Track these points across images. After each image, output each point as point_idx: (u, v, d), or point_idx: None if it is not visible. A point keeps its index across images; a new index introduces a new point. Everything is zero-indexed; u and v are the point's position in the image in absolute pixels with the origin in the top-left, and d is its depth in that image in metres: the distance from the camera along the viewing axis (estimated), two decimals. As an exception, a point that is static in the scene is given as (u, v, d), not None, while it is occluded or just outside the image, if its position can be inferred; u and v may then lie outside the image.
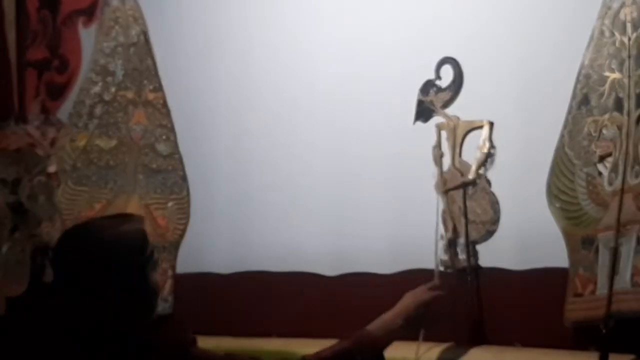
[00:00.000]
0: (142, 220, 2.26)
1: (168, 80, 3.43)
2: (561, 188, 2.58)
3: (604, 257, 2.45)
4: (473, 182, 2.73)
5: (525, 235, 2.65)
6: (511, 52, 2.72)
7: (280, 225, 3.10)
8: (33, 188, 3.70)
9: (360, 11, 3.01)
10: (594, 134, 2.54)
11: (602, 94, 2.53)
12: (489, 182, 2.75)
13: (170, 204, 3.38)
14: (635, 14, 2.50)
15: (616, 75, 2.51)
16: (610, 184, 2.50)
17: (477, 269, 2.72)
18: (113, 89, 3.50)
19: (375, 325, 2.43)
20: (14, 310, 3.67)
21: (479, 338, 2.69)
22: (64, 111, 3.66)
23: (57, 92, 3.73)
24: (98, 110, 3.53)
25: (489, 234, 2.72)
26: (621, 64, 2.51)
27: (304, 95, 3.12)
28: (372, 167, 2.94)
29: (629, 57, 2.50)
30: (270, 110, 3.20)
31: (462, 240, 2.74)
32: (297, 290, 3.07)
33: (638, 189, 2.44)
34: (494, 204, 2.72)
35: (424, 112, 2.86)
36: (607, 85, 2.52)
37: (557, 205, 2.58)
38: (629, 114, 2.48)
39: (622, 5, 2.52)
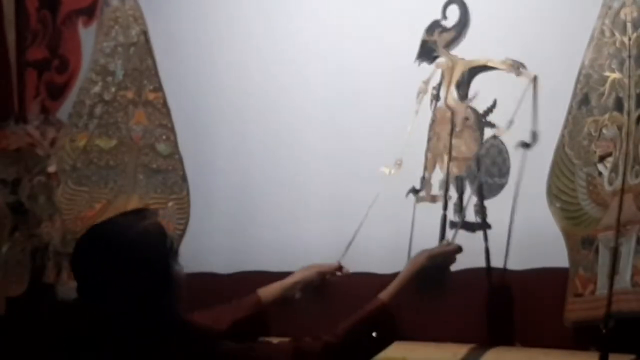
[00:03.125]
0: (157, 212, 2.25)
1: (168, 80, 3.44)
2: (561, 188, 2.59)
3: (604, 257, 2.46)
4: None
5: (525, 235, 2.65)
6: (511, 52, 2.72)
7: (280, 225, 3.10)
8: (33, 188, 3.71)
9: (363, 6, 3.01)
10: (594, 134, 2.54)
11: (602, 94, 2.54)
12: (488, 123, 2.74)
13: (170, 203, 3.38)
14: (635, 14, 2.50)
15: (616, 75, 2.52)
16: (611, 183, 2.51)
17: (484, 226, 2.73)
18: (113, 89, 3.51)
19: (390, 294, 2.40)
20: (14, 310, 3.68)
21: (480, 338, 2.70)
22: (63, 111, 3.67)
23: (57, 92, 3.73)
24: (98, 110, 3.53)
25: (499, 187, 2.72)
26: (621, 64, 2.51)
27: (304, 95, 3.12)
28: (372, 167, 2.94)
29: (629, 57, 2.50)
30: (270, 110, 3.20)
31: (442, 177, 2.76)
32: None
33: (638, 189, 2.45)
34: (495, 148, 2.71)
35: (426, 52, 2.85)
36: (607, 85, 2.53)
37: (557, 205, 2.58)
38: (629, 114, 2.49)
39: (623, 5, 2.52)
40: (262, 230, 3.17)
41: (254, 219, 3.20)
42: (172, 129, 3.42)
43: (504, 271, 2.68)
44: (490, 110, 2.74)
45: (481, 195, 2.73)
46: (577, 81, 2.57)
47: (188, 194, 3.37)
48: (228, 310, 2.51)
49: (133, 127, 3.46)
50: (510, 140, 2.69)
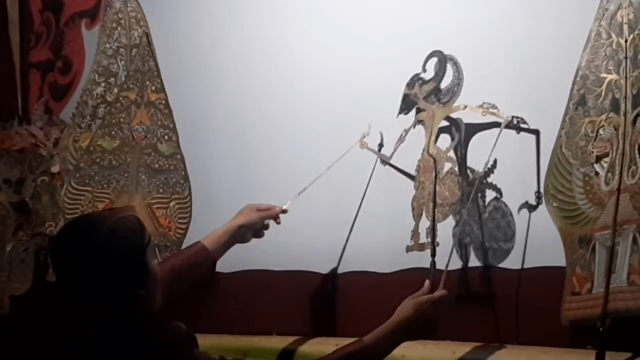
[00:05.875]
0: (134, 209, 2.29)
1: (170, 81, 3.46)
2: (558, 188, 2.59)
3: (600, 256, 2.47)
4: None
5: (523, 235, 2.67)
6: (509, 54, 2.73)
7: (281, 225, 3.11)
8: (37, 188, 3.73)
9: (360, 17, 3.02)
10: (590, 135, 2.55)
11: (599, 95, 2.54)
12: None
13: (172, 203, 3.40)
14: (631, 16, 2.50)
15: (613, 76, 2.52)
16: (607, 183, 2.51)
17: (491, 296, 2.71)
18: (115, 90, 3.53)
19: (373, 338, 2.38)
20: (18, 309, 3.70)
21: (477, 336, 2.71)
22: (67, 112, 3.69)
23: (61, 93, 3.75)
24: (101, 110, 3.55)
25: (505, 252, 2.68)
26: (618, 65, 2.51)
27: (305, 96, 3.13)
28: (371, 167, 2.95)
29: (626, 58, 2.50)
30: (271, 111, 3.21)
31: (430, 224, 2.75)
32: (298, 288, 3.08)
33: (634, 189, 2.45)
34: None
35: (407, 105, 2.89)
36: (604, 86, 2.53)
37: (555, 204, 2.59)
38: (625, 115, 2.49)
39: (619, 7, 2.53)
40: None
41: (255, 219, 3.22)
42: (174, 129, 3.44)
43: (501, 270, 2.70)
44: (490, 171, 2.71)
45: (487, 264, 2.69)
46: (574, 82, 2.58)
47: (190, 193, 3.39)
48: (169, 258, 2.54)
49: (135, 128, 3.48)
50: (513, 201, 2.67)
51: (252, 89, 3.25)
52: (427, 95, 2.84)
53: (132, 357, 2.12)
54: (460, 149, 2.76)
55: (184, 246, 3.32)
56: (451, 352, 2.65)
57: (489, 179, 2.74)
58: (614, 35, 2.53)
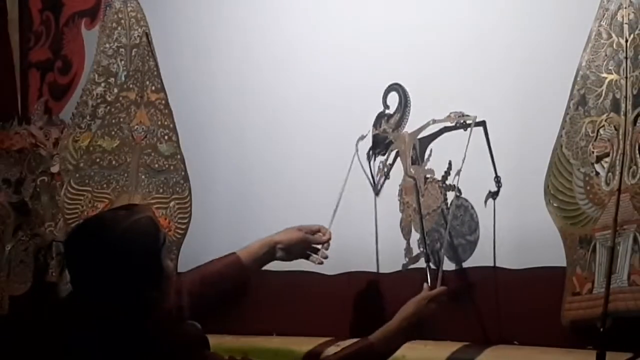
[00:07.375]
0: (150, 208, 2.29)
1: (170, 81, 3.45)
2: (559, 188, 2.60)
3: (601, 256, 2.47)
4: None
5: (523, 235, 2.67)
6: (509, 54, 2.73)
7: (280, 225, 3.10)
8: (36, 188, 3.73)
9: (364, 16, 3.02)
10: (591, 135, 2.55)
11: (599, 95, 2.54)
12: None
13: (172, 203, 3.40)
14: (632, 16, 2.51)
15: (613, 76, 2.52)
16: (608, 183, 2.51)
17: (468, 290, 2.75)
18: (115, 90, 3.53)
19: (378, 336, 2.46)
20: (18, 309, 3.69)
21: (477, 336, 2.71)
22: (66, 112, 3.69)
23: (60, 93, 3.75)
24: (100, 110, 3.55)
25: (472, 244, 2.74)
26: (618, 65, 2.52)
27: (304, 96, 3.13)
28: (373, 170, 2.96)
29: (626, 58, 2.50)
30: (270, 111, 3.21)
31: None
32: (297, 289, 3.08)
33: (635, 189, 2.45)
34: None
35: (379, 144, 2.93)
36: (604, 86, 2.54)
37: (555, 204, 2.59)
38: (626, 115, 2.50)
39: (619, 7, 2.53)
40: (263, 230, 3.16)
41: (255, 219, 3.21)
42: (174, 129, 3.44)
43: (501, 270, 2.70)
44: (447, 173, 2.79)
45: (459, 260, 2.76)
46: (575, 82, 2.58)
47: (190, 194, 3.39)
48: (201, 266, 2.55)
49: (135, 128, 3.48)
50: (476, 195, 2.73)
51: (252, 89, 3.25)
52: (395, 126, 2.89)
53: (144, 357, 2.12)
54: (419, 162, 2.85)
55: (183, 246, 3.34)
56: (451, 352, 2.65)
57: (447, 182, 2.79)
58: (614, 35, 2.53)
